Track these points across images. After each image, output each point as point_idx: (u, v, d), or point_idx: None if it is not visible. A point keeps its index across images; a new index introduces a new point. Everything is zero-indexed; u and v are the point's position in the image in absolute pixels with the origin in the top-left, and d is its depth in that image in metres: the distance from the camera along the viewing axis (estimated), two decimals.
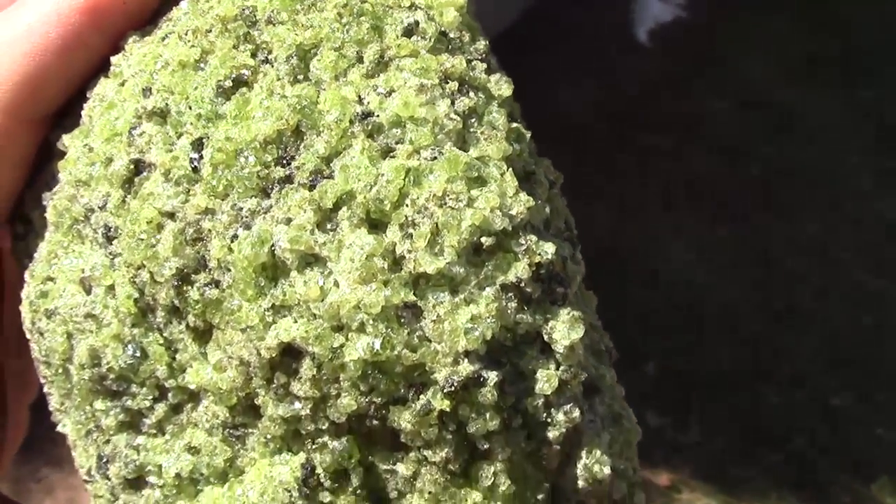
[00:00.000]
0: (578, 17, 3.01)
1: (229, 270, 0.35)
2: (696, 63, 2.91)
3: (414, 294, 0.35)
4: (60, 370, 0.39)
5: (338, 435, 0.36)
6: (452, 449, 0.35)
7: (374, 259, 0.34)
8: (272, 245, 0.35)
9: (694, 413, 2.03)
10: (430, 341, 0.34)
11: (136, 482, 0.39)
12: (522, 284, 0.35)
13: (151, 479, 0.38)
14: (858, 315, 2.22)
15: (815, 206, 2.48)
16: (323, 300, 0.34)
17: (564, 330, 0.36)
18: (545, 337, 0.36)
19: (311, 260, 0.35)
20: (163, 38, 0.39)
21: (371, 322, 0.34)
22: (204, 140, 0.36)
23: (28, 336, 0.41)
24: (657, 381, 2.08)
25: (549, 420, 0.36)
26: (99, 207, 0.38)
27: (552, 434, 0.36)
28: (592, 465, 0.37)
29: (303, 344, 0.34)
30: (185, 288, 0.36)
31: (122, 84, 0.39)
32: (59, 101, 0.40)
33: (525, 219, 0.36)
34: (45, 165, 0.41)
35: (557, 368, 0.36)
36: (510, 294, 0.35)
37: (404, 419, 0.35)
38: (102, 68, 0.40)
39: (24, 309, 0.40)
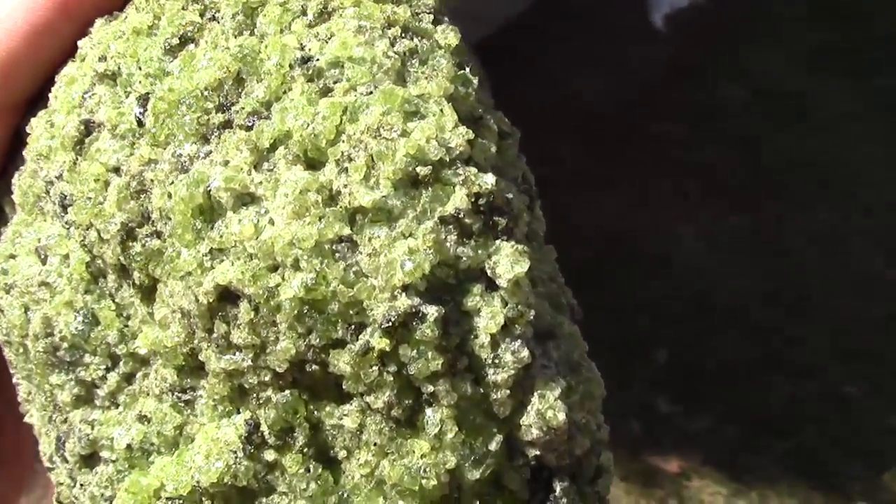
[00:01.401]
0: (591, 4, 3.00)
1: (170, 219, 0.35)
2: (710, 51, 2.89)
3: (350, 229, 0.34)
4: (21, 349, 0.39)
5: (281, 388, 0.35)
6: (395, 393, 0.34)
7: (308, 194, 0.34)
8: (207, 186, 0.35)
9: (704, 401, 2.03)
10: (366, 277, 0.33)
11: (90, 459, 0.38)
12: (461, 216, 0.34)
13: (104, 453, 0.38)
14: (870, 305, 2.21)
15: (828, 196, 2.47)
16: (257, 238, 0.34)
17: (508, 264, 0.34)
18: (489, 272, 0.35)
19: (247, 200, 0.35)
20: (124, 18, 0.40)
21: (305, 258, 0.33)
22: (150, 95, 0.36)
23: None
24: (668, 369, 2.08)
25: (496, 361, 0.34)
26: (56, 177, 0.38)
27: (500, 376, 0.34)
28: (545, 410, 0.35)
29: (239, 286, 0.34)
30: (129, 243, 0.36)
31: (83, 60, 0.39)
32: (29, 88, 0.41)
33: (465, 152, 0.35)
34: (16, 155, 0.41)
35: (504, 306, 0.34)
36: (449, 227, 0.34)
37: (343, 361, 0.34)
38: (72, 54, 0.40)
39: None
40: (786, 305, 2.22)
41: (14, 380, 0.41)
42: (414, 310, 0.33)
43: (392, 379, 0.34)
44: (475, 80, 0.37)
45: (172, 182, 0.35)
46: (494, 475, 0.35)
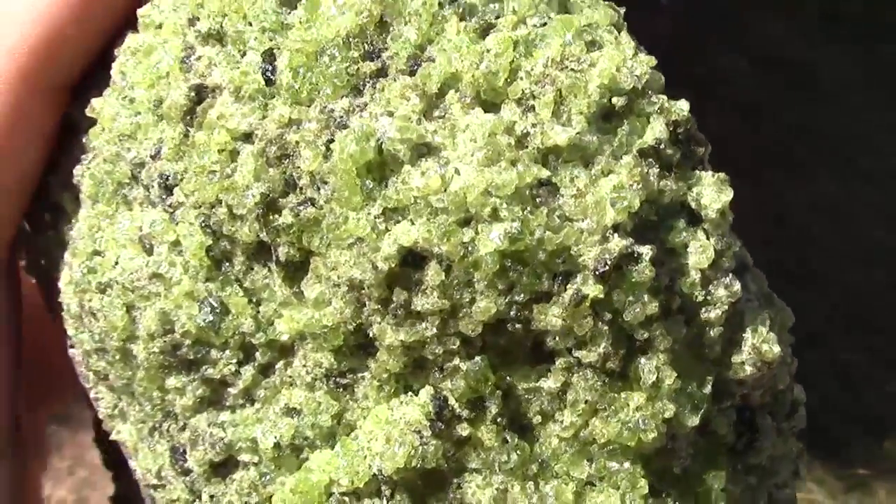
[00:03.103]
0: None
1: (326, 183, 0.31)
2: (712, 19, 2.87)
3: (546, 170, 0.31)
4: (118, 355, 0.35)
5: (469, 355, 0.32)
6: (610, 343, 0.31)
7: (498, 136, 0.30)
8: (378, 139, 0.31)
9: None
10: (572, 221, 0.31)
11: (223, 466, 0.34)
12: (662, 146, 0.32)
13: (243, 457, 0.34)
14: (872, 273, 2.21)
15: (831, 164, 2.46)
16: (445, 190, 0.30)
17: (713, 193, 0.33)
18: (692, 204, 0.32)
19: (423, 151, 0.31)
20: None
21: (505, 206, 0.30)
22: (275, 51, 0.32)
23: (72, 331, 0.36)
24: None
25: (708, 298, 0.32)
26: (151, 157, 0.34)
27: (714, 314, 0.32)
28: (760, 344, 0.33)
29: (427, 245, 0.30)
30: (272, 217, 0.32)
31: (160, 27, 0.35)
32: (79, 67, 0.36)
33: (650, 79, 0.32)
34: (69, 146, 0.37)
35: (709, 239, 0.32)
36: (650, 160, 0.31)
37: (552, 315, 0.31)
38: (126, 28, 0.36)
39: (68, 295, 0.36)
40: (787, 274, 2.21)
41: (92, 394, 0.37)
42: (628, 250, 0.31)
43: (607, 328, 0.31)
44: (622, 10, 0.34)
45: (331, 139, 0.31)
46: (703, 421, 0.33)
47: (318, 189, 0.32)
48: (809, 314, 2.17)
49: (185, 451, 0.35)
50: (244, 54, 0.33)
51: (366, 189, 0.31)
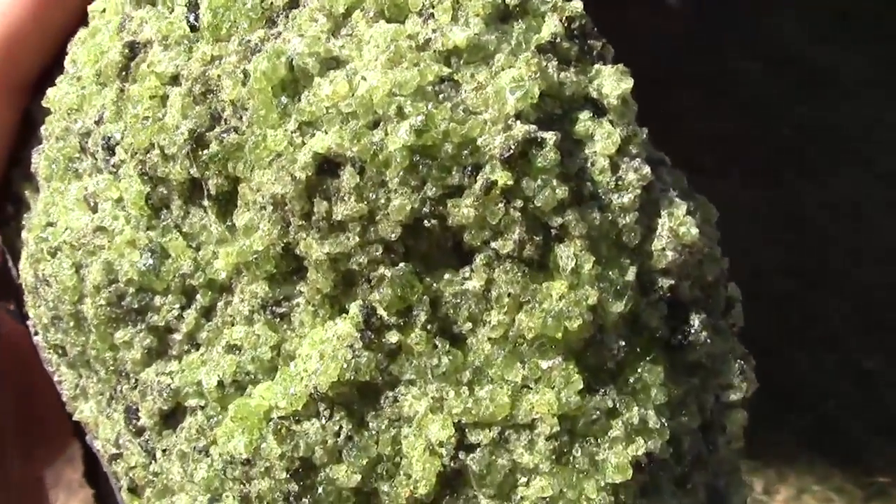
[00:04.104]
0: None
1: (245, 110, 0.33)
2: (726, 19, 2.85)
3: (449, 69, 0.33)
4: (72, 322, 0.36)
5: (394, 262, 0.33)
6: (524, 230, 0.32)
7: (400, 41, 0.32)
8: (289, 56, 0.33)
9: None
10: (475, 114, 0.32)
11: (171, 417, 0.36)
12: (558, 40, 0.33)
13: (190, 402, 0.35)
14: (891, 275, 2.18)
15: (848, 165, 2.44)
16: (353, 95, 0.32)
17: (613, 82, 0.34)
18: (594, 95, 0.34)
19: (332, 65, 0.33)
20: None
21: (409, 103, 0.32)
22: (199, 0, 0.35)
23: (32, 310, 0.38)
24: None
25: (619, 184, 0.33)
26: (95, 123, 0.36)
27: (626, 198, 0.33)
28: (677, 227, 0.34)
29: (339, 150, 0.32)
30: (200, 152, 0.34)
31: (103, 11, 0.38)
32: (37, 66, 0.38)
33: None
34: (29, 140, 0.39)
35: (614, 127, 0.34)
36: (548, 54, 0.33)
37: (465, 206, 0.32)
38: (77, 27, 0.39)
39: (25, 270, 0.38)
40: (805, 278, 2.19)
41: (56, 377, 0.38)
42: (531, 136, 0.32)
43: (519, 215, 0.32)
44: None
45: (244, 70, 0.33)
46: (632, 314, 0.34)
47: (241, 117, 0.33)
48: (828, 317, 2.15)
49: (137, 409, 0.36)
50: (172, 10, 0.36)
51: (281, 105, 0.33)
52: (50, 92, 0.38)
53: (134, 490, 0.37)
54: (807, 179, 2.40)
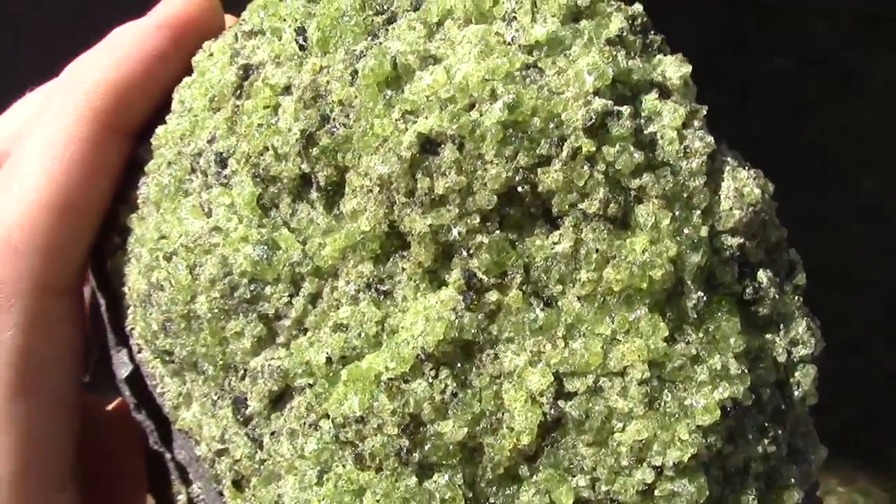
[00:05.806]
0: None
1: (353, 107, 0.37)
2: (755, 19, 2.83)
3: (532, 57, 0.37)
4: (183, 323, 0.38)
5: (490, 230, 0.36)
6: (607, 189, 0.36)
7: (489, 37, 0.37)
8: (393, 56, 0.37)
9: None
10: (558, 94, 0.36)
11: (280, 399, 0.37)
12: (624, 34, 0.38)
13: (299, 381, 0.37)
14: None
15: (875, 168, 2.41)
16: (451, 83, 0.36)
17: (675, 67, 0.38)
18: (658, 78, 0.38)
19: (430, 62, 0.37)
20: (239, 26, 0.42)
21: (501, 86, 0.36)
22: (305, 26, 0.39)
23: (139, 326, 0.40)
24: None
25: (686, 152, 0.37)
26: (208, 142, 0.39)
27: (695, 163, 0.37)
28: (741, 187, 0.38)
29: (441, 130, 0.36)
30: (311, 150, 0.37)
31: (210, 55, 0.41)
32: (144, 114, 0.42)
33: None
34: (136, 179, 0.42)
35: (678, 104, 0.38)
36: (616, 46, 0.37)
37: (553, 172, 0.36)
38: (180, 79, 0.42)
39: (136, 283, 0.40)
40: (831, 281, 2.17)
41: (157, 391, 0.40)
42: (609, 108, 0.36)
43: (602, 177, 0.36)
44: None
45: (352, 73, 0.37)
46: (707, 272, 0.37)
47: (348, 115, 0.37)
48: (853, 321, 2.13)
49: (245, 399, 0.38)
50: (280, 37, 0.39)
51: (385, 98, 0.37)
52: (159, 129, 0.41)
53: (238, 483, 0.39)
54: (832, 181, 2.38)
